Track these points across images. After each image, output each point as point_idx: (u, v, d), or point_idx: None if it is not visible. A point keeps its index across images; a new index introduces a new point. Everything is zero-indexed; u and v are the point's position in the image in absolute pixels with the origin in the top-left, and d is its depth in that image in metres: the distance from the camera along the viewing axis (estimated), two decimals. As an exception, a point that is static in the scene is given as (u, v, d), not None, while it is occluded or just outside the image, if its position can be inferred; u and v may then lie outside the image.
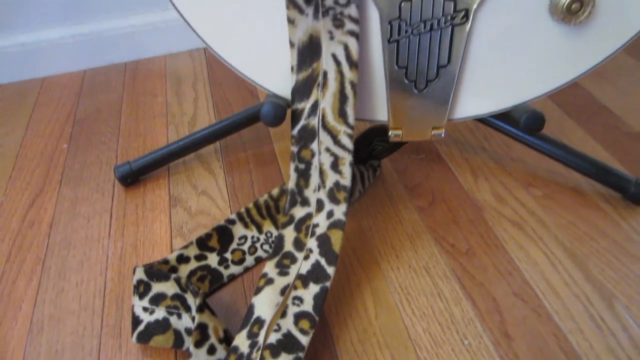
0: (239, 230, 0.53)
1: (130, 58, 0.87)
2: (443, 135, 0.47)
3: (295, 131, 0.45)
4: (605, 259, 0.51)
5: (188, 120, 0.72)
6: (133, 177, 0.61)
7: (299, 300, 0.43)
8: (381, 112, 0.46)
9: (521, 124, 0.44)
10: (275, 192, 0.54)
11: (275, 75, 0.45)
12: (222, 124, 0.62)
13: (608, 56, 0.43)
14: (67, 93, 0.80)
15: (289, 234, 0.47)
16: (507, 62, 0.43)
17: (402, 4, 0.40)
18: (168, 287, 0.44)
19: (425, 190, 0.59)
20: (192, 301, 0.43)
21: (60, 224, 0.57)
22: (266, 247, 0.52)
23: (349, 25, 0.40)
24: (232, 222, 0.53)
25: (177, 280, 0.44)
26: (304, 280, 0.44)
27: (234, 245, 0.52)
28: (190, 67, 0.84)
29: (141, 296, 0.44)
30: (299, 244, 0.46)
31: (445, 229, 0.54)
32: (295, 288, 0.44)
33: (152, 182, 0.62)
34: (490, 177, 0.61)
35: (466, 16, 0.40)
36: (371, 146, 0.56)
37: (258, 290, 0.44)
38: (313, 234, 0.46)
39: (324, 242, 0.45)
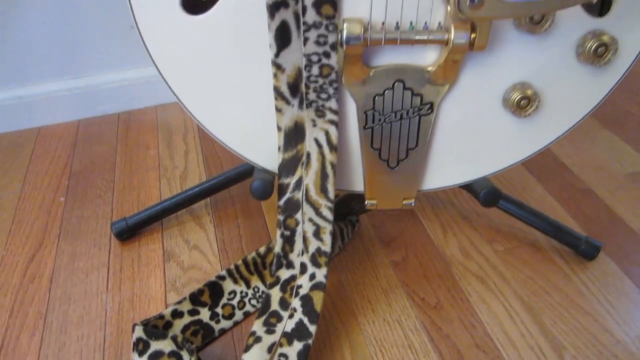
0: (228, 285, 0.57)
1: (123, 109, 0.91)
2: (413, 204, 0.53)
3: (281, 202, 0.50)
4: (557, 312, 0.57)
5: (179, 173, 0.77)
6: (129, 233, 0.65)
7: (285, 357, 0.48)
8: (358, 185, 0.52)
9: (480, 198, 0.50)
10: (262, 249, 0.59)
11: (263, 152, 0.51)
12: (212, 182, 0.67)
13: (552, 141, 0.49)
14: (63, 144, 0.84)
15: (275, 293, 0.52)
16: (468, 144, 0.50)
17: (376, 98, 0.46)
18: (165, 345, 0.49)
19: (399, 245, 0.65)
20: (188, 358, 0.48)
21: (60, 279, 0.61)
22: (254, 301, 0.57)
23: (330, 116, 0.46)
24: (222, 277, 0.57)
25: (174, 339, 0.49)
26: (288, 337, 0.49)
27: (224, 300, 0.57)
28: (180, 119, 0.89)
29: (140, 353, 0.49)
30: (284, 304, 0.51)
31: (416, 283, 0.60)
32: (281, 345, 0.49)
33: (147, 236, 0.67)
34: (458, 232, 0.67)
35: (431, 108, 0.47)
36: (349, 207, 0.62)
37: (247, 348, 0.49)
38: (297, 294, 0.51)
39: (306, 302, 0.50)
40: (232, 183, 0.68)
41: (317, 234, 0.50)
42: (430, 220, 0.68)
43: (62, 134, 0.87)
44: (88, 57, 0.86)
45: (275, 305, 0.51)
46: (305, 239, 0.50)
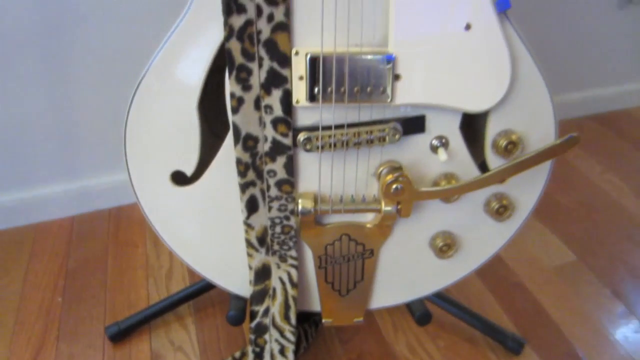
0: (208, 387, 0.67)
1: (113, 204, 1.01)
2: (362, 321, 0.64)
3: (253, 325, 0.61)
4: (486, 406, 0.68)
5: (165, 273, 0.87)
6: (121, 336, 0.75)
7: None
8: (316, 307, 0.63)
9: (415, 318, 0.62)
10: (237, 354, 0.69)
11: (236, 283, 0.61)
12: (195, 287, 0.77)
13: (471, 271, 0.61)
14: (59, 241, 0.94)
15: None
16: (404, 274, 0.61)
17: (327, 246, 0.57)
18: None
19: (355, 344, 0.75)
20: None
21: (60, 381, 0.70)
22: (230, 402, 0.67)
23: (290, 261, 0.58)
24: (203, 380, 0.67)
25: None
26: None
27: (204, 401, 0.66)
28: (165, 214, 0.99)
29: None
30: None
31: (369, 380, 0.71)
32: None
33: (136, 337, 0.76)
34: (407, 329, 0.78)
35: (372, 253, 0.58)
36: (312, 314, 0.73)
37: None
38: None
39: None
40: (213, 287, 0.78)
41: (282, 352, 0.60)
42: (383, 319, 0.79)
43: (58, 231, 0.96)
44: (83, 162, 0.97)
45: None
46: (272, 356, 0.61)
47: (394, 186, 0.50)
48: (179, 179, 0.54)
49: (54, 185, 0.97)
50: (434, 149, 0.52)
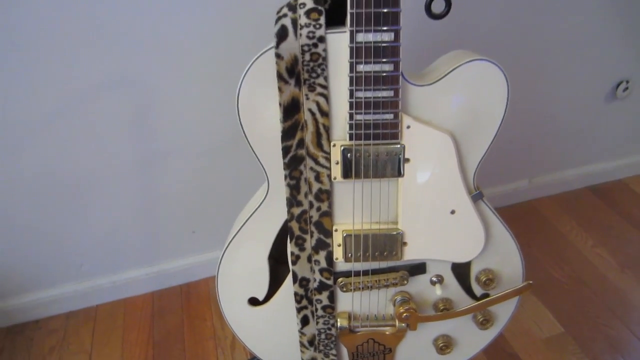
0: None
1: (184, 282, 1.26)
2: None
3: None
4: None
5: (229, 343, 1.10)
6: (201, 399, 0.98)
7: None
8: (350, 386, 0.85)
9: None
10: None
11: (293, 369, 0.84)
12: (255, 360, 1.00)
13: (466, 363, 0.82)
14: (144, 315, 1.18)
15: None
16: (416, 363, 0.83)
17: (358, 346, 0.79)
18: None
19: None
20: None
21: None
22: None
23: (332, 357, 0.80)
24: None
25: None
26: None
27: None
28: (226, 290, 1.23)
29: None
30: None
31: None
32: None
33: (212, 399, 0.99)
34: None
35: (391, 350, 0.80)
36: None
37: None
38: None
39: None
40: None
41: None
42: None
43: (142, 306, 1.21)
44: (161, 251, 1.21)
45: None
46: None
47: (404, 315, 0.71)
48: (254, 302, 0.78)
49: (139, 269, 1.22)
50: (433, 284, 0.74)
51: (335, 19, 0.62)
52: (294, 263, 0.72)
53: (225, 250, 0.74)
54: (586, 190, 1.53)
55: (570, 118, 1.38)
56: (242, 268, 0.75)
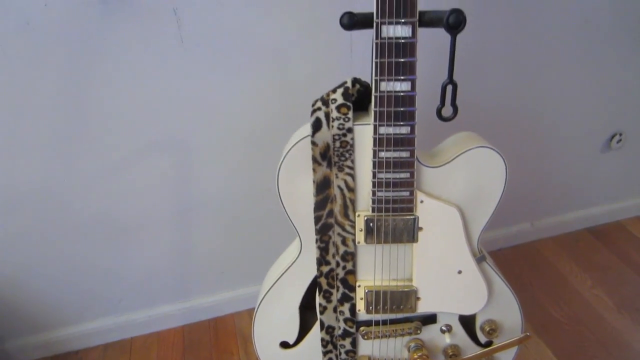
0: None
1: (212, 316, 1.37)
2: None
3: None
4: None
5: (255, 377, 1.20)
6: None
7: None
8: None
9: None
10: None
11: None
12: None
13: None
14: (176, 350, 1.28)
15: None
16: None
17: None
18: None
19: None
20: None
21: None
22: None
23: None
24: None
25: None
26: None
27: None
28: (249, 327, 1.33)
29: None
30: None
31: None
32: None
33: None
34: None
35: (405, 389, 0.90)
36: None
37: None
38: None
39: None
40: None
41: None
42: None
43: (174, 339, 1.31)
44: (192, 288, 1.33)
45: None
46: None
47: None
48: (285, 345, 0.88)
49: (172, 304, 1.33)
50: (443, 332, 0.85)
51: (360, 106, 0.75)
52: (321, 313, 0.83)
53: (261, 301, 0.85)
54: (585, 232, 1.63)
55: (570, 166, 1.49)
56: (276, 316, 0.86)
